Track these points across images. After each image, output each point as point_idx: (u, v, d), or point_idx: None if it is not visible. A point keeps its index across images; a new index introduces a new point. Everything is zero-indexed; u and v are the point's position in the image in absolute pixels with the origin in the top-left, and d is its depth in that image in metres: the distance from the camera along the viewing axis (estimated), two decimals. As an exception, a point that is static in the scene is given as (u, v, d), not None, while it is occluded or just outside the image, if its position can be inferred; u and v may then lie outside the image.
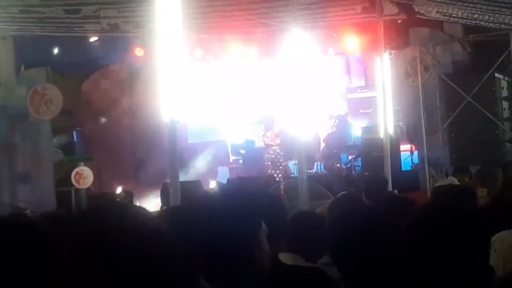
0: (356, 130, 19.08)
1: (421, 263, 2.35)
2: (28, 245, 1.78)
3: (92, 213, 1.62)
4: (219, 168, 18.90)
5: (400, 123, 17.55)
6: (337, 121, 18.93)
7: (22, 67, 16.02)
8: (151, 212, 1.67)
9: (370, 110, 19.44)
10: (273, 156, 17.46)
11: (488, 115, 14.87)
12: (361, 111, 20.05)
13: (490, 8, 12.00)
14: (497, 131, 15.38)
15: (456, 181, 10.04)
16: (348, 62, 20.31)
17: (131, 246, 1.53)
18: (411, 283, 2.41)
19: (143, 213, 1.63)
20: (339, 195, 5.39)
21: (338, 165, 17.79)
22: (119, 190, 15.81)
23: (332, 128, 18.93)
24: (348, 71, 20.51)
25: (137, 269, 1.51)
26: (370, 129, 17.19)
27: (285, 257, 3.80)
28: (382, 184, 7.50)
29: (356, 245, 2.88)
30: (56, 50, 16.47)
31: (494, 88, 15.39)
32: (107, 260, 1.50)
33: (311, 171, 16.46)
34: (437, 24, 16.07)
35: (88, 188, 15.76)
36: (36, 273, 1.71)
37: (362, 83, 20.37)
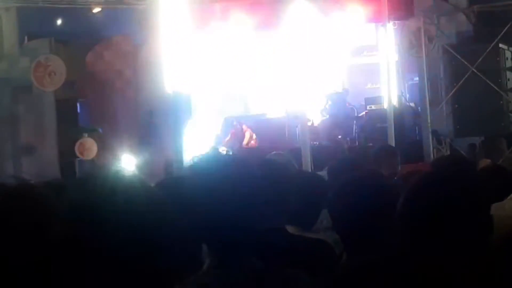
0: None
1: (420, 232, 2.37)
2: (31, 213, 1.80)
3: (87, 181, 1.64)
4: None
5: None
6: (330, 102, 16.03)
7: (26, 38, 15.99)
8: (146, 181, 1.68)
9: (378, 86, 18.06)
10: None
11: (492, 85, 14.79)
12: (369, 85, 18.71)
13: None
14: (501, 102, 15.31)
15: None
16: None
17: (127, 213, 1.54)
18: (409, 251, 2.43)
19: (139, 181, 1.64)
20: (334, 161, 5.23)
21: (348, 138, 17.55)
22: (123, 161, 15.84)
23: (322, 114, 16.26)
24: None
25: (133, 236, 1.53)
26: (374, 100, 17.12)
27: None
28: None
29: (359, 212, 2.92)
30: (59, 21, 16.42)
31: (498, 59, 15.30)
32: (101, 227, 1.52)
33: (314, 142, 16.39)
34: (441, -5, 15.98)
35: (92, 160, 15.79)
36: (37, 241, 1.73)
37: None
